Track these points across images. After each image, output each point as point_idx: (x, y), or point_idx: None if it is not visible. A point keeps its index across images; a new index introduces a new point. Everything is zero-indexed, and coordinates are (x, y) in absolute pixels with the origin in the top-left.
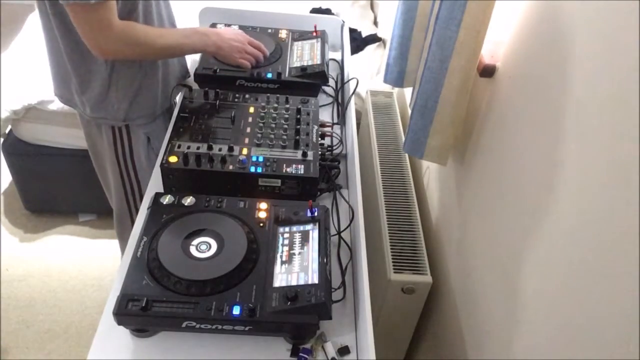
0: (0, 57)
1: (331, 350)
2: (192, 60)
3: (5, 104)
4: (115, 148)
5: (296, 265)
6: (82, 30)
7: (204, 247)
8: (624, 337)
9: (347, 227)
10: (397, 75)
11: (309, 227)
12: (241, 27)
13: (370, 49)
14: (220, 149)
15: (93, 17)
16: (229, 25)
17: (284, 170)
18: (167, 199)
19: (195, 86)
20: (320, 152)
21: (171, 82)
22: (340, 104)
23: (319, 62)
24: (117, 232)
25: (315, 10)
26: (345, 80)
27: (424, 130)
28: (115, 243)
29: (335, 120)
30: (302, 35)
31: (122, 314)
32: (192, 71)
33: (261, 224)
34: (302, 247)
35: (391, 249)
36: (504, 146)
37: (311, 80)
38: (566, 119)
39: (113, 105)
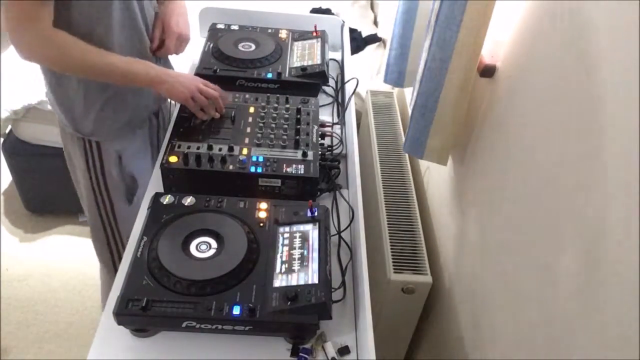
0: (0, 57)
1: (331, 350)
2: (193, 61)
3: (5, 104)
4: (87, 160)
5: (296, 265)
6: (8, 25)
7: (204, 247)
8: (625, 337)
9: (347, 227)
10: (397, 75)
11: (309, 227)
12: (241, 27)
13: (370, 49)
14: (220, 149)
15: (22, 10)
16: (229, 26)
17: (284, 170)
18: (167, 199)
19: None
20: (320, 152)
21: (146, 96)
22: (340, 104)
23: (319, 62)
24: (94, 246)
25: (315, 10)
26: (345, 80)
27: (424, 130)
28: None
29: (335, 120)
30: (302, 35)
31: (123, 314)
32: (191, 72)
33: (261, 224)
34: (302, 247)
35: (391, 249)
36: (503, 146)
37: (311, 80)
38: (566, 119)
39: (79, 116)
